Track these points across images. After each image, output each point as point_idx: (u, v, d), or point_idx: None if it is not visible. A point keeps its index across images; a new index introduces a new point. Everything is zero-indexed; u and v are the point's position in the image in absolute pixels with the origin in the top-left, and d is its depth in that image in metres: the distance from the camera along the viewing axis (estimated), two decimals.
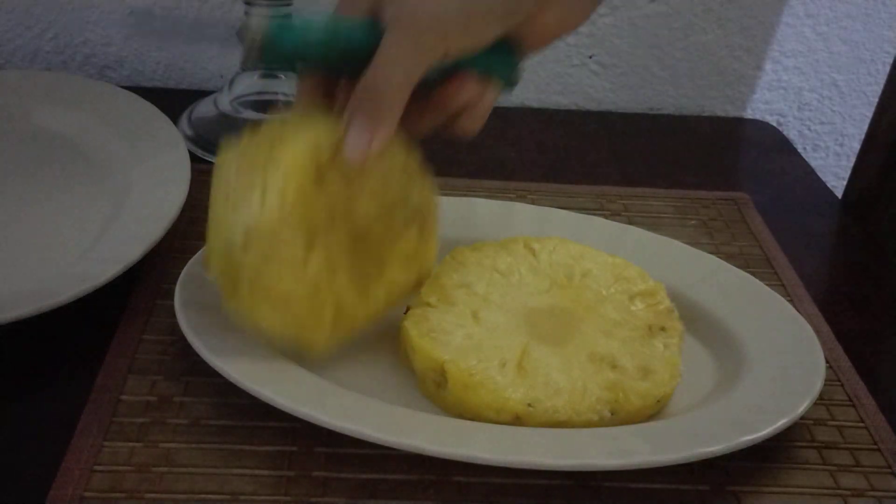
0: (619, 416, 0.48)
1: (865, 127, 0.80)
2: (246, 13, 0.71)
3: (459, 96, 0.47)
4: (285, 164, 0.46)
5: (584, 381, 0.48)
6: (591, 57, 0.85)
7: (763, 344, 0.53)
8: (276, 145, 0.46)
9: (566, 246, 0.57)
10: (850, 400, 0.53)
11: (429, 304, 0.53)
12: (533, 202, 0.67)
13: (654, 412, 0.50)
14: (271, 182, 0.45)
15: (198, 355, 0.48)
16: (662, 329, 0.52)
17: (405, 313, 0.52)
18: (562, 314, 0.52)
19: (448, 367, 0.48)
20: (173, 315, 0.50)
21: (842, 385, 0.54)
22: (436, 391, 0.49)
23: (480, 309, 0.53)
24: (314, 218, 0.47)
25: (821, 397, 0.51)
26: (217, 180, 0.47)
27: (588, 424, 0.48)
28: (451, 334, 0.50)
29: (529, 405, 0.47)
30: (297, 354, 0.49)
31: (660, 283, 0.55)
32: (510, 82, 0.50)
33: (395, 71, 0.44)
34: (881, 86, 0.80)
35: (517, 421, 0.48)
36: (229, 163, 0.47)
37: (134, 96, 0.70)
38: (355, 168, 0.47)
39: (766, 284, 0.58)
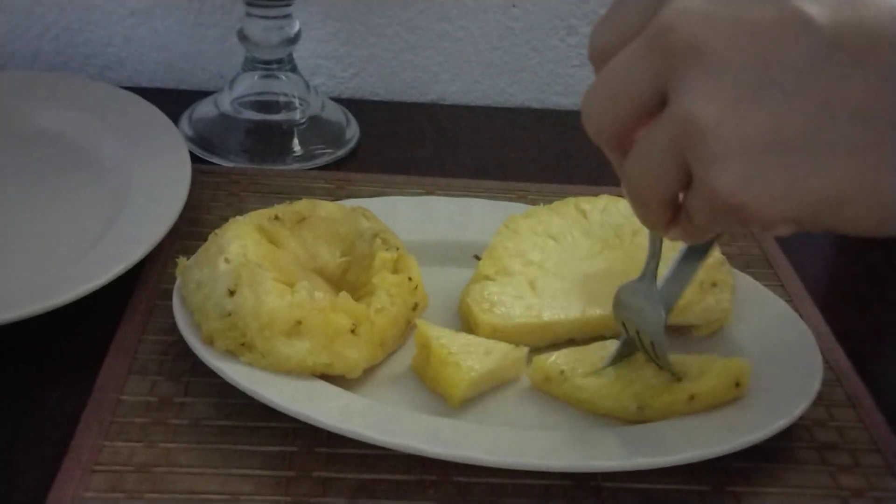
0: (645, 414, 0.48)
1: None
2: (246, 13, 0.71)
3: None
4: (232, 232, 0.51)
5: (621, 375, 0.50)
6: None
7: (761, 345, 0.53)
8: (219, 234, 0.51)
9: (616, 204, 0.58)
10: (850, 400, 0.53)
11: (487, 278, 0.54)
12: (533, 202, 0.67)
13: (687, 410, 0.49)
14: (228, 247, 0.50)
15: (198, 356, 0.49)
16: (714, 285, 0.53)
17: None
18: (615, 278, 0.53)
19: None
20: (173, 315, 0.50)
21: (841, 385, 0.54)
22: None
23: (538, 278, 0.54)
24: (285, 266, 0.51)
25: (820, 398, 0.51)
26: (185, 288, 0.50)
27: (610, 412, 0.48)
28: (512, 307, 0.52)
29: (562, 372, 0.49)
30: (340, 380, 0.49)
31: None
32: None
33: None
34: None
35: (546, 382, 0.49)
36: (187, 271, 0.51)
37: (134, 97, 0.70)
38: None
39: (766, 285, 0.58)
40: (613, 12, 0.38)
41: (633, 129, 0.37)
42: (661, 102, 0.36)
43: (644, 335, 0.49)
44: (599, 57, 0.38)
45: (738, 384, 0.49)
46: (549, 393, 0.50)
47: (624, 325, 0.50)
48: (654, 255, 0.48)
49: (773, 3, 0.33)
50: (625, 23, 0.37)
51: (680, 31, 0.34)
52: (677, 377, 0.49)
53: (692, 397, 0.48)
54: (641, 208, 0.39)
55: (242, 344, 0.48)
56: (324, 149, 0.74)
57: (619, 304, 0.49)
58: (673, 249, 0.49)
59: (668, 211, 0.38)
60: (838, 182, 0.34)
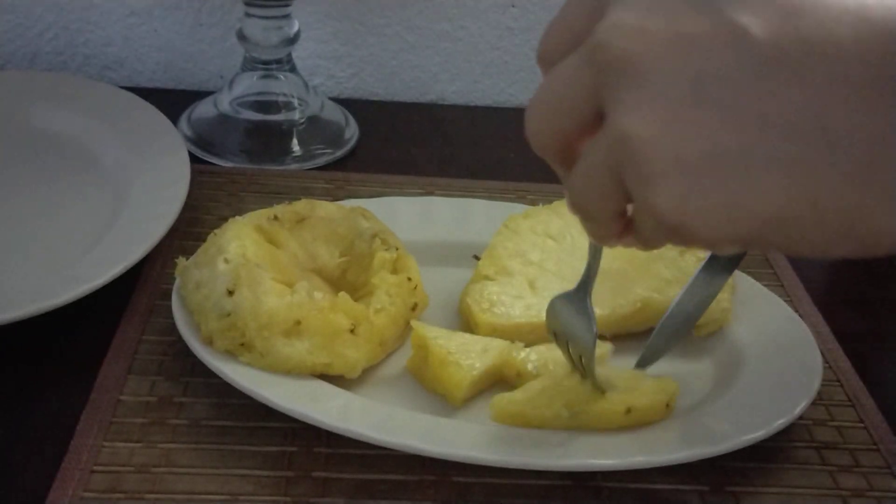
0: (579, 420, 0.47)
1: None
2: (246, 13, 0.71)
3: None
4: (231, 233, 0.51)
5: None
6: None
7: (761, 345, 0.53)
8: (218, 235, 0.51)
9: None
10: (850, 400, 0.53)
11: (487, 277, 0.54)
12: (532, 202, 0.67)
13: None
14: (227, 248, 0.50)
15: (197, 356, 0.49)
16: None
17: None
18: (615, 278, 0.53)
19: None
20: (173, 315, 0.50)
21: (841, 385, 0.54)
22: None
23: (537, 278, 0.54)
24: (284, 266, 0.51)
25: (820, 397, 0.51)
26: (184, 288, 0.50)
27: (542, 423, 0.47)
28: (511, 307, 0.53)
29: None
30: (338, 379, 0.49)
31: None
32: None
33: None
34: None
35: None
36: (186, 271, 0.51)
37: (134, 97, 0.70)
38: None
39: (766, 285, 0.58)
40: (559, 16, 0.36)
41: (576, 143, 0.36)
42: (600, 117, 0.34)
43: (574, 348, 0.48)
44: (545, 63, 0.37)
45: (667, 405, 0.48)
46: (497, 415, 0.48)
47: (555, 334, 0.48)
48: (592, 266, 0.46)
49: (709, 15, 0.32)
50: (569, 28, 0.36)
51: (613, 47, 0.33)
52: (601, 390, 0.48)
53: (629, 410, 0.47)
54: (589, 223, 0.38)
55: (242, 344, 0.48)
56: (323, 149, 0.74)
57: (551, 314, 0.48)
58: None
59: (618, 223, 0.37)
60: (777, 200, 0.32)
